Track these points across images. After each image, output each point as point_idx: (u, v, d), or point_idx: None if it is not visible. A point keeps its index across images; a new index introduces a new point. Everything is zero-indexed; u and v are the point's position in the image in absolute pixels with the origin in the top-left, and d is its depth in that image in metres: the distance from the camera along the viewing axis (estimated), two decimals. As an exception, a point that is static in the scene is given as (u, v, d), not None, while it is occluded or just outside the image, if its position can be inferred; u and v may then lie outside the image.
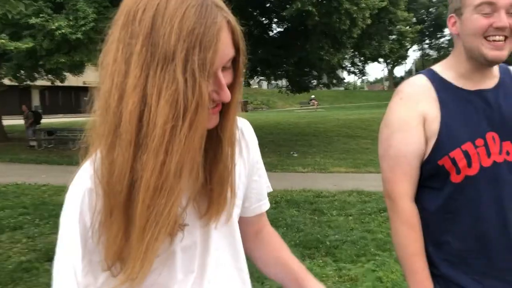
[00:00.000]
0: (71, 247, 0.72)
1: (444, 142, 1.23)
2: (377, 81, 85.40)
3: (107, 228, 0.70)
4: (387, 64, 47.13)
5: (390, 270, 3.83)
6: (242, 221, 0.94)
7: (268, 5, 14.48)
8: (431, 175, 1.27)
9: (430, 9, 52.21)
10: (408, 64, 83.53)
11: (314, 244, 4.55)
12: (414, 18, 23.52)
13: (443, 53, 54.60)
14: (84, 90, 32.47)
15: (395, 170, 1.29)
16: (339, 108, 28.34)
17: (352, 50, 16.80)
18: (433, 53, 56.01)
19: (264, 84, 57.51)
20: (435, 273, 1.28)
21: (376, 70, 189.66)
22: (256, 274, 1.12)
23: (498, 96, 1.28)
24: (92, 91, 0.74)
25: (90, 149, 0.74)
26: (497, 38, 1.19)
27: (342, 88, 51.01)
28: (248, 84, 21.36)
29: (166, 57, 0.66)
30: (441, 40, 54.98)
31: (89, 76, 20.50)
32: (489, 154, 1.22)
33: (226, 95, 0.71)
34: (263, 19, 15.57)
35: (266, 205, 1.01)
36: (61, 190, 2.39)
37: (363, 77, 29.46)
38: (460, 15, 1.26)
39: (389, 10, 15.47)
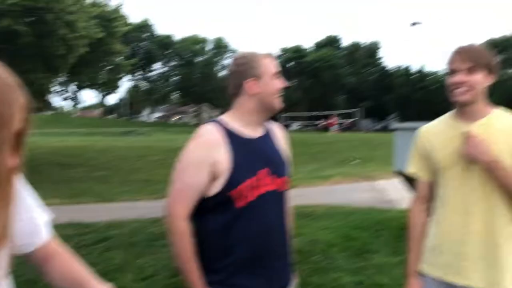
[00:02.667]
0: None
1: (234, 178, 1.62)
2: (90, 107, 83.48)
3: None
4: (101, 91, 47.20)
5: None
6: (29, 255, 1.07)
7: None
8: (220, 203, 1.64)
9: (141, 44, 55.46)
10: (120, 92, 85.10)
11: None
12: (128, 51, 24.53)
13: (153, 85, 58.48)
14: None
15: (178, 196, 1.63)
16: (49, 134, 26.49)
17: (67, 75, 16.21)
18: (145, 84, 59.20)
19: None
20: (215, 280, 1.64)
21: (89, 96, 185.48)
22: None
23: (266, 142, 1.78)
24: None
25: None
26: (281, 93, 1.75)
27: (50, 112, 47.57)
28: None
29: None
30: (153, 73, 58.88)
31: None
32: (262, 185, 1.67)
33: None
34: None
35: (41, 238, 1.12)
36: None
37: (77, 104, 28.53)
38: (259, 79, 1.70)
39: (105, 41, 15.72)
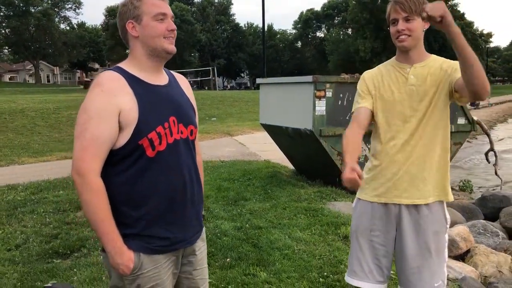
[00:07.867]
0: None
1: (143, 127, 1.54)
2: None
3: None
4: None
5: None
6: None
7: None
8: (130, 153, 1.56)
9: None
10: None
11: None
12: None
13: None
14: None
15: (87, 150, 1.51)
16: None
17: None
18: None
19: None
20: (131, 233, 1.58)
21: None
22: None
23: (172, 89, 1.70)
24: None
25: None
26: (172, 36, 1.63)
27: None
28: None
29: None
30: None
31: None
32: (171, 134, 1.61)
33: None
34: None
35: None
36: None
37: None
38: (138, 20, 1.60)
39: None
